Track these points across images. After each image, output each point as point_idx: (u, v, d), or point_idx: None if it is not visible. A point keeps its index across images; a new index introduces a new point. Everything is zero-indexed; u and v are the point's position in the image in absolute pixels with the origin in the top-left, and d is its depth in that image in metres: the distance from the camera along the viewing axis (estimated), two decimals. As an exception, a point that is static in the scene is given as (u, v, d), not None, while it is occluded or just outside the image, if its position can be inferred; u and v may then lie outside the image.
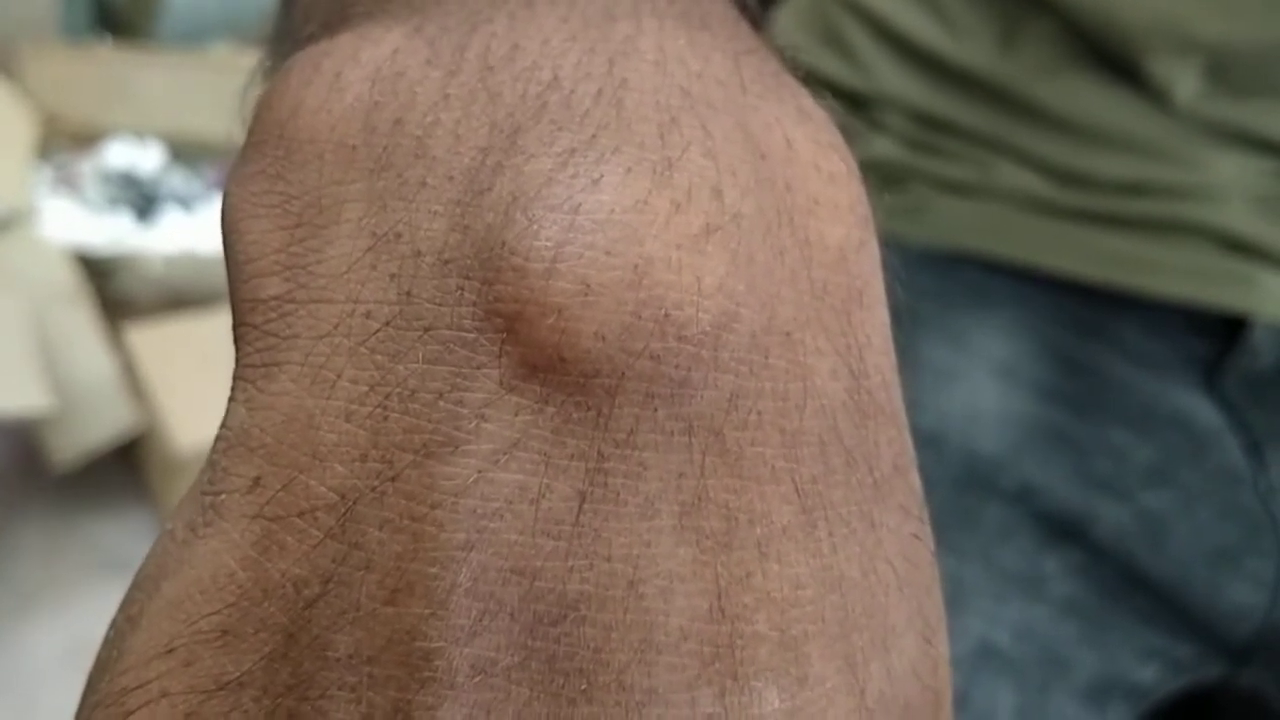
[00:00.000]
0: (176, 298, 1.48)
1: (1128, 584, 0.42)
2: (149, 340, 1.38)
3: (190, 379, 1.33)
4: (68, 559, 1.33)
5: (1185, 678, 0.42)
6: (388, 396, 0.13)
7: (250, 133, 0.16)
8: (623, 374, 0.13)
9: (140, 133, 1.67)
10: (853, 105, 0.48)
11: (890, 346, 0.16)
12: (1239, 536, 0.41)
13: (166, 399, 1.32)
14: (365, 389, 0.13)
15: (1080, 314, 0.44)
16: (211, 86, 1.66)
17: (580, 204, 0.13)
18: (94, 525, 1.38)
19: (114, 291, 1.46)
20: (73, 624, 1.24)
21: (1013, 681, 0.40)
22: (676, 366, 0.13)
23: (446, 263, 0.14)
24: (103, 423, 1.32)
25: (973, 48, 0.45)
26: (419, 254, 0.14)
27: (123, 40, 1.90)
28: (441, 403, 0.13)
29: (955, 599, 0.40)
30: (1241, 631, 0.42)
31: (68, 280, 1.37)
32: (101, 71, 1.66)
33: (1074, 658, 0.41)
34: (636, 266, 0.13)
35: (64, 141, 1.62)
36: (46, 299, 1.32)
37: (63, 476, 1.36)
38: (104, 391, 1.32)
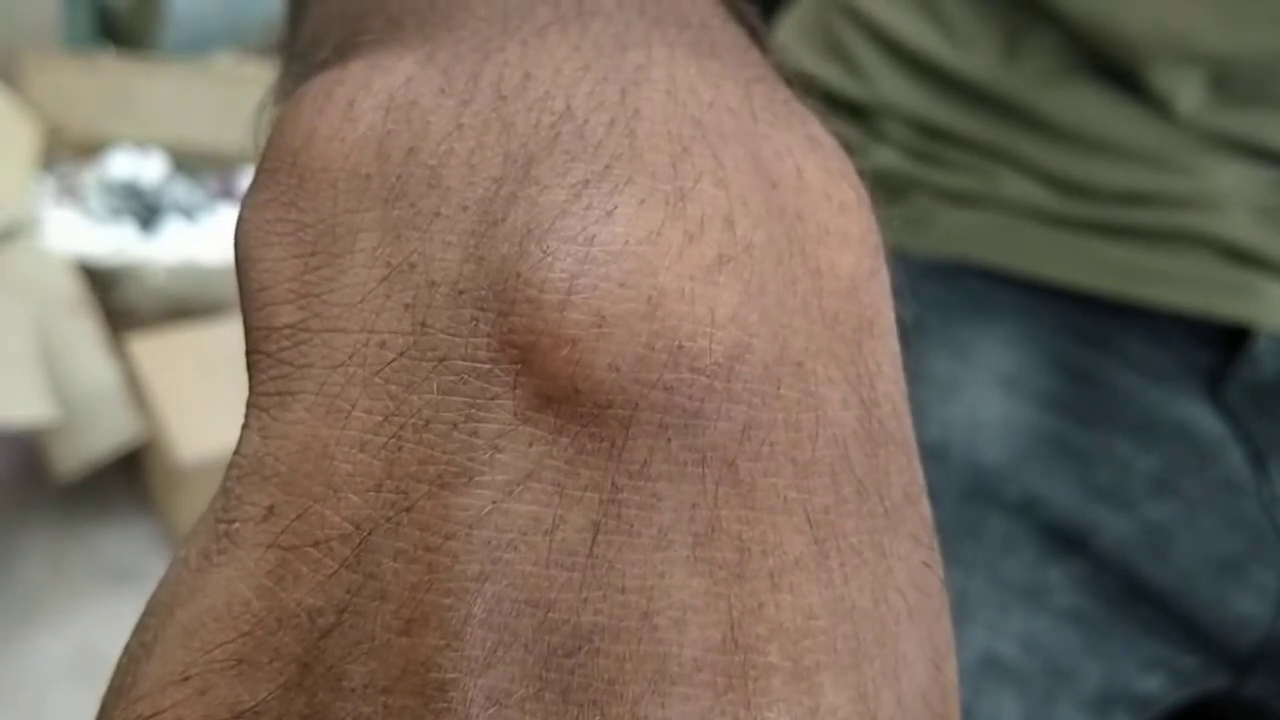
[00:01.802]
0: (179, 308, 1.48)
1: (1131, 594, 0.42)
2: (152, 350, 1.38)
3: (193, 389, 1.33)
4: (71, 568, 1.33)
5: (1189, 688, 0.42)
6: (402, 427, 0.13)
7: (263, 160, 0.16)
8: (636, 405, 0.13)
9: (143, 143, 1.66)
10: (855, 116, 0.48)
11: (900, 375, 0.16)
12: (1242, 547, 0.41)
13: (169, 409, 1.32)
14: (380, 419, 0.13)
15: (1083, 324, 0.44)
16: (214, 97, 1.66)
17: (594, 235, 0.13)
18: (97, 535, 1.38)
19: (117, 302, 1.46)
20: (77, 633, 1.24)
21: (1017, 692, 0.40)
22: (690, 397, 0.13)
23: (461, 293, 0.14)
24: (105, 433, 1.32)
25: (975, 58, 0.45)
26: (433, 284, 0.14)
27: (125, 50, 1.90)
28: (456, 433, 0.13)
29: (960, 610, 0.40)
30: (1245, 642, 0.42)
31: (70, 290, 1.37)
32: (104, 82, 1.66)
33: (1078, 668, 0.41)
34: (650, 298, 0.13)
35: (67, 152, 1.62)
36: (49, 309, 1.32)
37: (66, 486, 1.36)
38: (107, 401, 1.32)
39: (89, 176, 1.59)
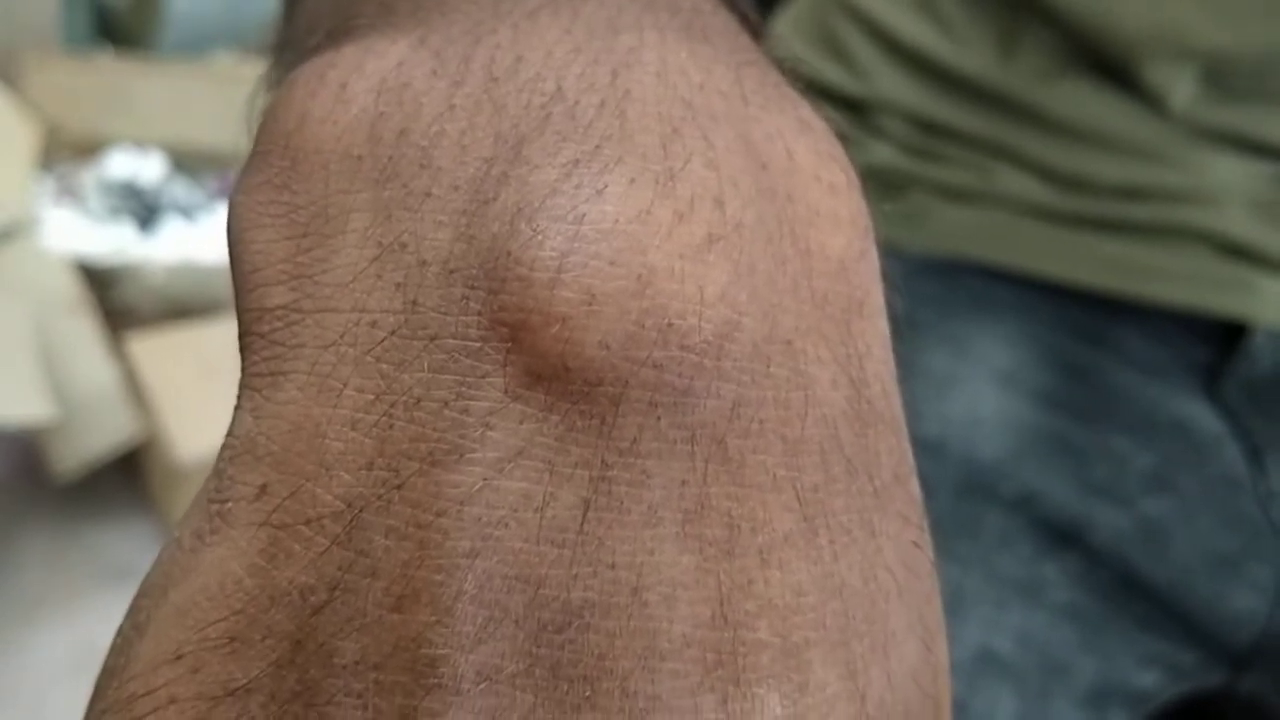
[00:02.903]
0: (178, 307, 1.48)
1: (1128, 590, 0.42)
2: (150, 350, 1.38)
3: (192, 388, 1.33)
4: (70, 568, 1.33)
5: (1186, 684, 0.42)
6: (393, 405, 0.13)
7: (256, 143, 0.16)
8: (626, 383, 0.13)
9: (142, 143, 1.67)
10: (852, 112, 0.49)
11: (890, 355, 0.16)
12: (1239, 543, 0.41)
13: (168, 408, 1.32)
14: (371, 398, 0.14)
15: (1080, 320, 0.44)
16: (213, 97, 1.66)
17: (584, 214, 0.14)
18: (96, 534, 1.38)
19: (116, 301, 1.46)
20: (76, 632, 1.24)
21: (1013, 688, 0.40)
22: (679, 375, 0.13)
23: (452, 272, 0.14)
24: (104, 432, 1.32)
25: (972, 54, 0.45)
26: (424, 264, 0.14)
27: (124, 50, 1.90)
28: (447, 411, 0.13)
29: (956, 606, 0.40)
30: (1242, 638, 0.42)
31: (69, 290, 1.37)
32: (103, 81, 1.66)
33: (1074, 664, 0.41)
34: (640, 276, 0.13)
35: (66, 151, 1.62)
36: (48, 309, 1.32)
37: (64, 486, 1.36)
38: (106, 401, 1.32)
39: (88, 176, 1.59)
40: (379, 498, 0.13)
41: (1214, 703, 0.44)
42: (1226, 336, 0.43)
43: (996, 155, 0.45)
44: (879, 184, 0.47)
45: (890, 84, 0.47)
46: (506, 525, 0.13)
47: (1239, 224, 0.42)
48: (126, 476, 1.44)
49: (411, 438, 0.13)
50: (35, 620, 1.26)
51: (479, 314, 0.13)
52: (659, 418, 0.13)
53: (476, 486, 0.13)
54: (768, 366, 0.14)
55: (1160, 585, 0.42)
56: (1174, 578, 0.42)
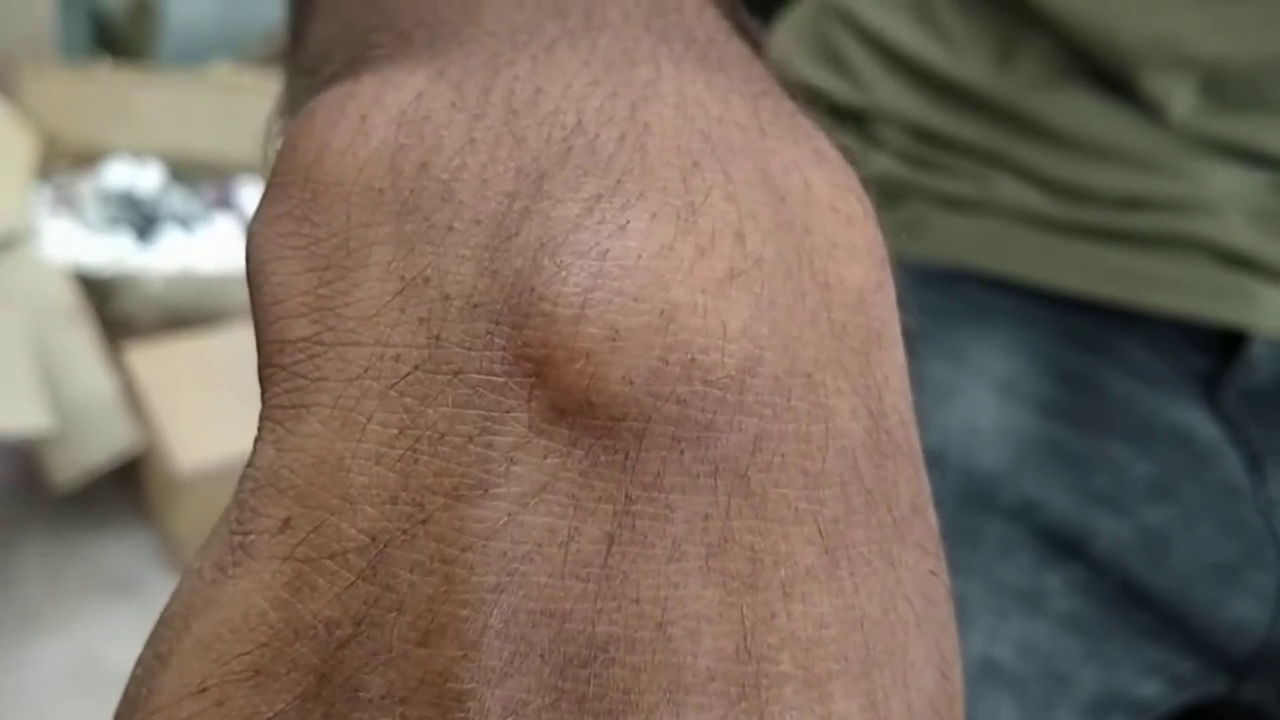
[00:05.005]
0: (176, 317, 1.48)
1: (1129, 599, 0.42)
2: (149, 360, 1.38)
3: (190, 399, 1.33)
4: (69, 579, 1.33)
5: (1187, 693, 0.42)
6: (418, 440, 0.13)
7: (275, 174, 0.16)
8: (650, 418, 0.13)
9: (140, 153, 1.67)
10: (851, 122, 0.49)
11: (907, 386, 0.16)
12: (1240, 551, 0.41)
13: (166, 419, 1.32)
14: (395, 432, 0.14)
15: (1080, 329, 0.44)
16: (211, 107, 1.66)
17: (607, 250, 0.14)
18: (94, 545, 1.38)
19: (114, 311, 1.46)
20: (75, 643, 1.24)
21: (1015, 698, 0.40)
22: (702, 410, 0.13)
23: (475, 307, 0.14)
24: (103, 442, 1.32)
25: (970, 64, 0.46)
26: (447, 298, 0.14)
27: (122, 60, 1.90)
28: (471, 446, 0.13)
29: (958, 616, 0.40)
30: (1243, 646, 0.42)
31: (68, 300, 1.37)
32: (101, 92, 1.66)
33: (1076, 673, 0.41)
34: (663, 311, 0.13)
35: (64, 162, 1.62)
36: (46, 319, 1.32)
37: (63, 496, 1.35)
38: (104, 411, 1.32)
39: (86, 186, 1.59)
40: (404, 532, 0.13)
41: (1216, 712, 0.44)
42: (1226, 345, 0.43)
43: (995, 165, 0.45)
44: (878, 194, 0.47)
45: (889, 94, 0.48)
46: (531, 560, 0.13)
47: (1238, 233, 0.42)
48: (125, 487, 1.43)
49: (436, 472, 0.13)
50: (34, 631, 1.25)
51: (503, 349, 0.13)
52: (682, 452, 0.13)
53: (501, 521, 0.13)
54: (789, 400, 0.14)
55: (1161, 594, 0.42)
56: (1175, 587, 0.42)
